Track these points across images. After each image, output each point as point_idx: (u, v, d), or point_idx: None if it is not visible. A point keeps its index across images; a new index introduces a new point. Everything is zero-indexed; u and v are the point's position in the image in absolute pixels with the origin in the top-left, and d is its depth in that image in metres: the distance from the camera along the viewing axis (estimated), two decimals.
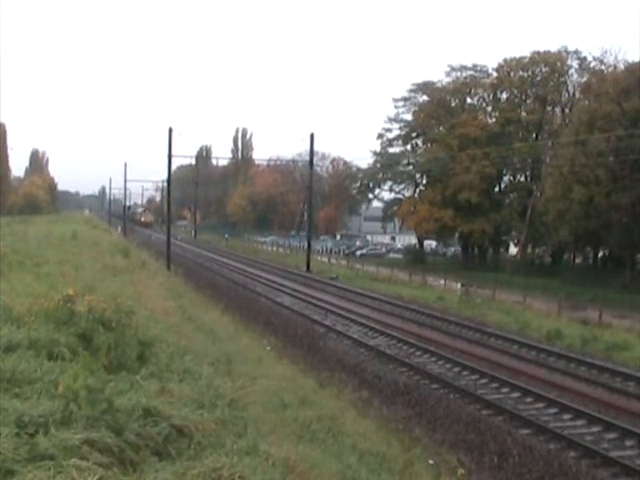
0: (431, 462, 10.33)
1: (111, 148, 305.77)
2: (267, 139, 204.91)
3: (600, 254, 47.60)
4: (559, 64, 53.43)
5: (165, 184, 60.57)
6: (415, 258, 60.73)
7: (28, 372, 5.92)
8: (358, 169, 71.91)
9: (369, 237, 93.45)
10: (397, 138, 64.07)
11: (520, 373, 17.66)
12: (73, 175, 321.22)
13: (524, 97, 56.52)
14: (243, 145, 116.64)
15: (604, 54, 47.48)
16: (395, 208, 65.70)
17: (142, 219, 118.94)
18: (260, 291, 33.78)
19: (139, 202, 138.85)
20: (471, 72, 59.35)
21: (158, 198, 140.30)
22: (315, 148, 49.60)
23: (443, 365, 18.74)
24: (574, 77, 54.25)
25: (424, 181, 62.17)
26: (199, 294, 27.59)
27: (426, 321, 26.16)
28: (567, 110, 54.56)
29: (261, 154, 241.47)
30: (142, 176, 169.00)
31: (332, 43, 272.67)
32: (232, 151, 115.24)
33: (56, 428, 4.44)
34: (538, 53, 54.37)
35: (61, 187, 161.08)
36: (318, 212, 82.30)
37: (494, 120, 57.25)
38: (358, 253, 69.84)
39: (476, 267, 53.52)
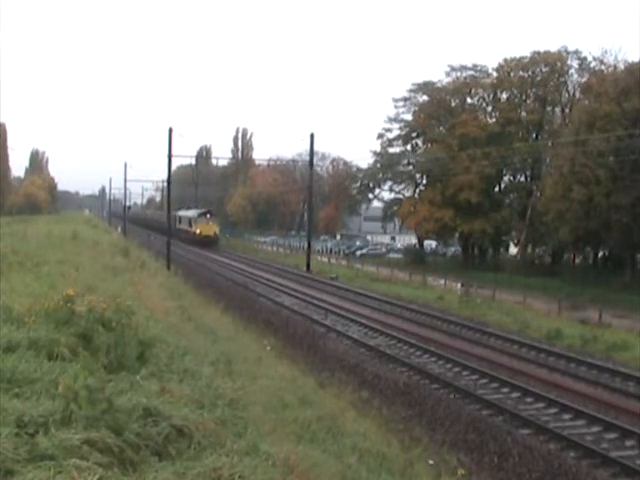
0: (431, 462, 10.34)
1: (111, 148, 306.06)
2: (267, 139, 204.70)
3: (600, 254, 47.59)
4: (559, 64, 53.39)
5: (165, 184, 60.47)
6: (415, 258, 60.73)
7: (28, 372, 5.93)
8: (358, 169, 71.86)
9: (369, 237, 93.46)
10: (397, 138, 64.03)
11: (520, 373, 17.67)
12: (73, 175, 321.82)
13: (524, 97, 56.50)
14: (243, 145, 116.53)
15: (604, 54, 47.52)
16: (395, 208, 65.66)
17: (198, 230, 67.30)
18: (260, 291, 33.77)
19: (138, 202, 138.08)
20: (471, 72, 59.34)
21: (158, 198, 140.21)
22: (315, 148, 49.68)
23: (443, 365, 18.75)
24: (574, 77, 54.24)
25: (424, 181, 62.14)
26: (199, 294, 27.58)
27: (426, 321, 26.16)
28: (567, 110, 54.51)
29: (261, 154, 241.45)
30: (142, 176, 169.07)
31: (332, 43, 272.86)
32: (232, 151, 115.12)
33: (56, 428, 4.44)
34: (538, 53, 54.36)
35: (61, 187, 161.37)
36: (318, 212, 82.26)
37: (494, 120, 57.22)
38: (358, 253, 69.84)
39: (476, 267, 53.50)
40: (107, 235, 54.83)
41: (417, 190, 63.42)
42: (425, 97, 61.52)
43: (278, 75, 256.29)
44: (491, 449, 11.70)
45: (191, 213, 73.56)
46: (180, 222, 73.67)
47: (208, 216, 69.65)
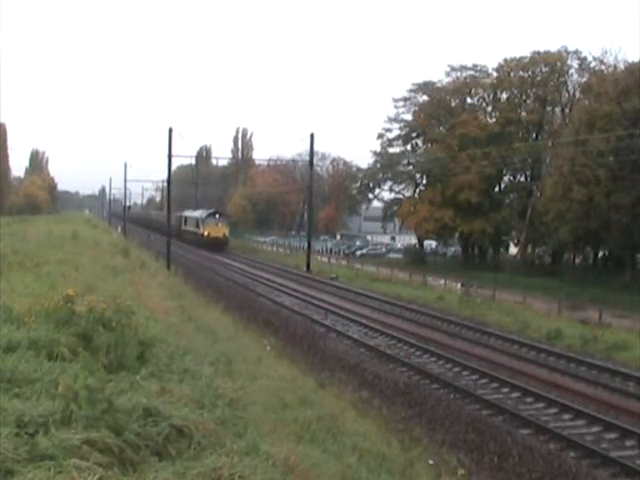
0: (431, 462, 10.34)
1: (111, 148, 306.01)
2: (267, 139, 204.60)
3: (600, 254, 47.60)
4: (559, 64, 53.41)
5: (165, 184, 60.45)
6: (415, 258, 60.74)
7: (28, 372, 5.93)
8: (358, 169, 71.87)
9: (369, 237, 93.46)
10: (397, 138, 64.04)
11: (520, 373, 17.67)
12: (73, 175, 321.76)
13: (524, 97, 56.51)
14: (243, 145, 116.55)
15: (604, 54, 47.55)
16: (395, 208, 65.67)
17: (206, 232, 63.15)
18: (260, 291, 33.77)
19: (138, 202, 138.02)
20: (471, 72, 59.35)
21: (158, 198, 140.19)
22: (315, 148, 49.67)
23: (443, 365, 18.75)
24: (574, 77, 54.26)
25: (424, 181, 62.16)
26: (199, 294, 27.58)
27: (426, 321, 26.16)
28: (567, 110, 54.53)
29: (261, 154, 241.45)
30: (142, 176, 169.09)
31: (332, 43, 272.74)
32: (232, 151, 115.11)
33: (56, 428, 4.44)
34: (538, 53, 54.38)
35: (61, 187, 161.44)
36: (318, 212, 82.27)
37: (494, 120, 57.23)
38: (358, 253, 69.84)
39: (476, 267, 53.50)
40: (107, 235, 54.83)
41: (417, 190, 63.42)
42: (425, 97, 61.52)
43: (278, 75, 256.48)
44: (491, 449, 11.70)
45: (198, 213, 69.04)
46: (186, 223, 70.58)
47: (217, 216, 65.71)
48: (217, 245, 61.67)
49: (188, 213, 73.55)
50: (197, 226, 66.05)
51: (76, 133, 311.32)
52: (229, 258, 55.88)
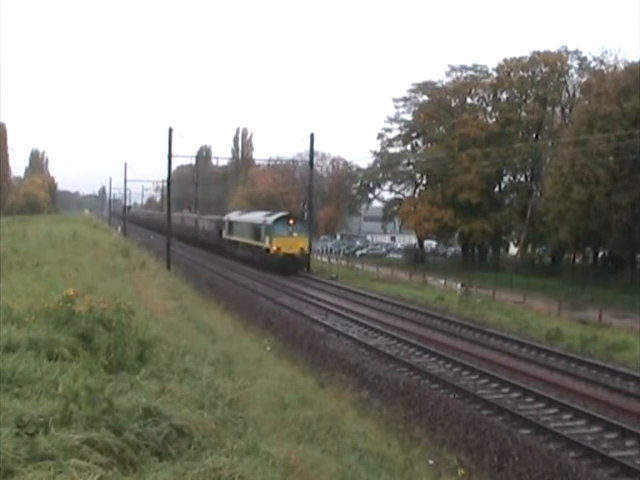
0: (431, 462, 10.34)
1: (111, 148, 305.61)
2: (267, 139, 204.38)
3: (600, 254, 47.63)
4: (559, 64, 53.51)
5: (165, 184, 60.45)
6: (415, 258, 60.79)
7: (28, 372, 5.93)
8: (358, 169, 71.90)
9: (369, 237, 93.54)
10: (397, 138, 64.12)
11: (520, 373, 17.67)
12: (73, 175, 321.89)
13: (524, 97, 56.59)
14: (243, 145, 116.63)
15: (604, 54, 47.72)
16: (395, 208, 65.73)
17: (275, 247, 41.74)
18: (260, 291, 33.77)
19: (139, 202, 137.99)
20: (471, 72, 59.45)
21: (158, 198, 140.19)
22: (315, 148, 49.57)
23: (443, 365, 18.75)
24: (574, 77, 54.42)
25: (424, 181, 62.25)
26: (199, 294, 27.58)
27: (426, 321, 26.17)
28: (567, 110, 54.61)
29: (261, 154, 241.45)
30: (142, 176, 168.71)
31: (332, 43, 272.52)
32: (232, 151, 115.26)
33: (56, 428, 4.43)
34: (538, 53, 54.46)
35: (61, 187, 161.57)
36: (318, 212, 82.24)
37: (494, 120, 57.33)
38: (358, 253, 69.90)
39: (476, 267, 53.53)
40: (107, 235, 54.79)
41: (417, 190, 63.51)
42: (425, 97, 61.61)
43: (278, 75, 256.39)
44: (491, 449, 11.70)
45: (259, 218, 45.88)
46: (232, 231, 50.50)
47: (291, 222, 43.17)
48: (291, 266, 41.69)
49: (236, 216, 52.32)
50: (258, 237, 44.55)
51: (76, 133, 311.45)
52: (228, 257, 55.75)
